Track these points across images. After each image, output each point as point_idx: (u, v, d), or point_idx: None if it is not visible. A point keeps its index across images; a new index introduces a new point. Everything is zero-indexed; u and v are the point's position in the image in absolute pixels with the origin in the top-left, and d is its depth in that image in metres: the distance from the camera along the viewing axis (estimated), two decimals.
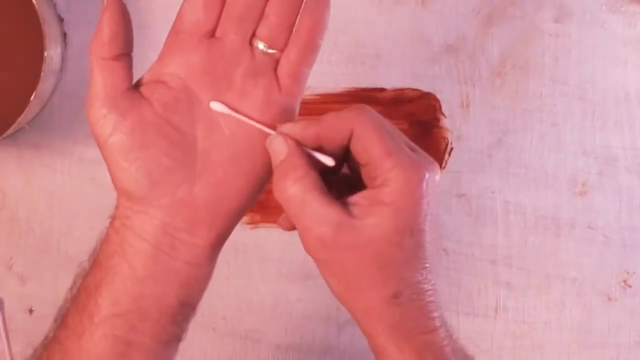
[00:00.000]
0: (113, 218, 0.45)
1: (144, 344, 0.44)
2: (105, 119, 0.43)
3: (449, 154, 0.71)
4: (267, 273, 0.70)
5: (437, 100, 0.71)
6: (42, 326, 0.70)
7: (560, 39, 0.71)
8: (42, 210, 0.70)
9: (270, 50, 0.45)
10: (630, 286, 0.71)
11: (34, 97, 0.64)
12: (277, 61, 0.45)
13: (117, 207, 0.45)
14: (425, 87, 0.71)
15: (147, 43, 0.70)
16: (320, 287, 0.71)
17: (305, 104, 0.71)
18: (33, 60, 0.64)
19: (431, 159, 0.43)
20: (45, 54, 0.64)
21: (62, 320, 0.45)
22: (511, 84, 0.71)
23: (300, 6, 0.45)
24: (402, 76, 0.71)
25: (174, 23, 0.45)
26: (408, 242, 0.42)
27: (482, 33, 0.71)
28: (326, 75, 0.71)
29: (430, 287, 0.43)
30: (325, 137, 0.44)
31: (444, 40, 0.71)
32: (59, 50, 0.68)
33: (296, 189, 0.42)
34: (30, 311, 0.70)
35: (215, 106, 0.45)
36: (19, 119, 0.64)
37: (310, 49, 0.45)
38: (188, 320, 0.46)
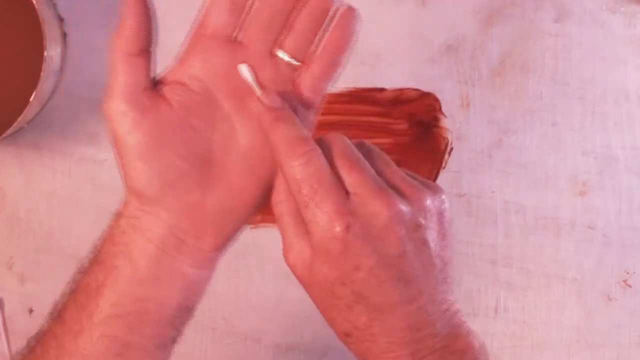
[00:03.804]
0: (119, 216, 0.45)
1: (142, 345, 0.44)
2: (123, 116, 0.43)
3: (449, 154, 0.71)
4: (267, 273, 0.70)
5: (437, 100, 0.71)
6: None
7: (560, 39, 0.71)
8: (42, 210, 0.70)
9: (293, 61, 0.45)
10: (630, 286, 0.71)
11: (34, 97, 0.64)
12: (298, 72, 0.45)
13: (125, 205, 0.45)
14: (425, 87, 0.71)
15: None
16: None
17: None
18: (33, 60, 0.64)
19: (377, 203, 0.41)
20: (45, 54, 0.64)
21: (59, 315, 0.45)
22: (511, 84, 0.71)
23: (326, 20, 0.45)
24: (402, 76, 0.71)
25: (197, 25, 0.44)
26: (342, 291, 0.42)
27: (482, 33, 0.71)
28: None
29: (381, 329, 0.42)
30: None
31: (444, 40, 0.71)
32: (59, 50, 0.68)
33: (277, 210, 0.44)
34: (30, 311, 0.70)
35: (244, 70, 0.44)
36: (19, 119, 0.64)
37: (333, 65, 0.45)
38: (185, 323, 0.46)
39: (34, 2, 0.64)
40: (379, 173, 0.43)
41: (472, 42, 0.71)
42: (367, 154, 0.44)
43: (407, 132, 0.71)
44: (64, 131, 0.70)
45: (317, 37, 0.45)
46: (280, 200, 0.44)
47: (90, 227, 0.70)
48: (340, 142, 0.43)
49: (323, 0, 0.44)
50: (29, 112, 0.65)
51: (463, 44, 0.71)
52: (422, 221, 0.42)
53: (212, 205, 0.44)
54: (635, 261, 0.71)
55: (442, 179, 0.71)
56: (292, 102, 0.45)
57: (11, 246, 0.71)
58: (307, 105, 0.45)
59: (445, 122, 0.71)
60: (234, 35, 0.44)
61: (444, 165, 0.71)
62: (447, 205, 0.43)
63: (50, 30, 0.65)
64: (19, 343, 0.70)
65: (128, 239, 0.44)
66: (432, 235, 0.42)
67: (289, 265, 0.43)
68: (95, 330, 0.43)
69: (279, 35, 0.44)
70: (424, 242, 0.42)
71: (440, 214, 0.43)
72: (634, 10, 0.71)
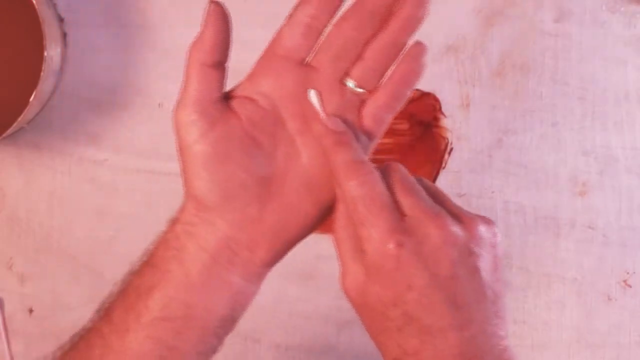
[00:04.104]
0: (175, 222, 0.45)
1: (185, 351, 0.44)
2: (192, 125, 0.43)
3: (449, 154, 0.71)
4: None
5: (437, 100, 0.71)
6: (42, 326, 0.70)
7: (560, 39, 0.71)
8: (42, 210, 0.70)
9: (359, 90, 0.45)
10: (630, 286, 0.71)
11: (34, 97, 0.64)
12: (363, 101, 0.46)
13: (182, 211, 0.45)
14: (425, 87, 0.71)
15: (145, 43, 0.71)
16: (320, 287, 0.71)
17: None
18: (33, 60, 0.64)
19: (431, 225, 0.42)
20: (45, 54, 0.64)
21: (105, 313, 0.46)
22: (511, 84, 0.71)
23: (399, 55, 0.45)
24: None
25: (270, 45, 0.45)
26: (393, 312, 0.42)
27: (482, 33, 0.71)
28: None
29: (431, 355, 0.42)
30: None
31: (444, 40, 0.71)
32: (59, 50, 0.68)
33: (337, 235, 0.45)
34: (30, 311, 0.70)
35: (312, 95, 0.45)
36: (19, 119, 0.64)
37: (398, 97, 0.46)
38: (227, 334, 0.46)
39: (34, 2, 0.64)
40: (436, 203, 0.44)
41: (472, 42, 0.71)
42: (426, 188, 0.45)
43: (407, 132, 0.71)
44: (64, 131, 0.70)
45: (388, 69, 0.45)
46: (340, 226, 0.44)
47: (90, 227, 0.71)
48: (398, 169, 0.44)
49: (397, 33, 0.45)
50: (29, 112, 0.65)
51: (463, 44, 0.71)
52: (475, 249, 0.43)
53: (269, 221, 0.45)
54: (635, 261, 0.71)
55: (442, 179, 0.71)
56: (354, 130, 0.45)
57: (11, 246, 0.71)
58: (368, 134, 0.46)
59: (445, 122, 0.71)
60: (306, 58, 0.45)
61: (444, 165, 0.71)
62: (499, 238, 0.44)
63: (50, 30, 0.65)
64: (19, 343, 0.70)
65: (182, 245, 0.44)
66: (484, 265, 0.43)
67: (344, 289, 0.44)
68: (142, 331, 0.44)
69: (350, 63, 0.45)
70: (477, 270, 0.42)
71: (493, 246, 0.44)
72: (634, 10, 0.71)
